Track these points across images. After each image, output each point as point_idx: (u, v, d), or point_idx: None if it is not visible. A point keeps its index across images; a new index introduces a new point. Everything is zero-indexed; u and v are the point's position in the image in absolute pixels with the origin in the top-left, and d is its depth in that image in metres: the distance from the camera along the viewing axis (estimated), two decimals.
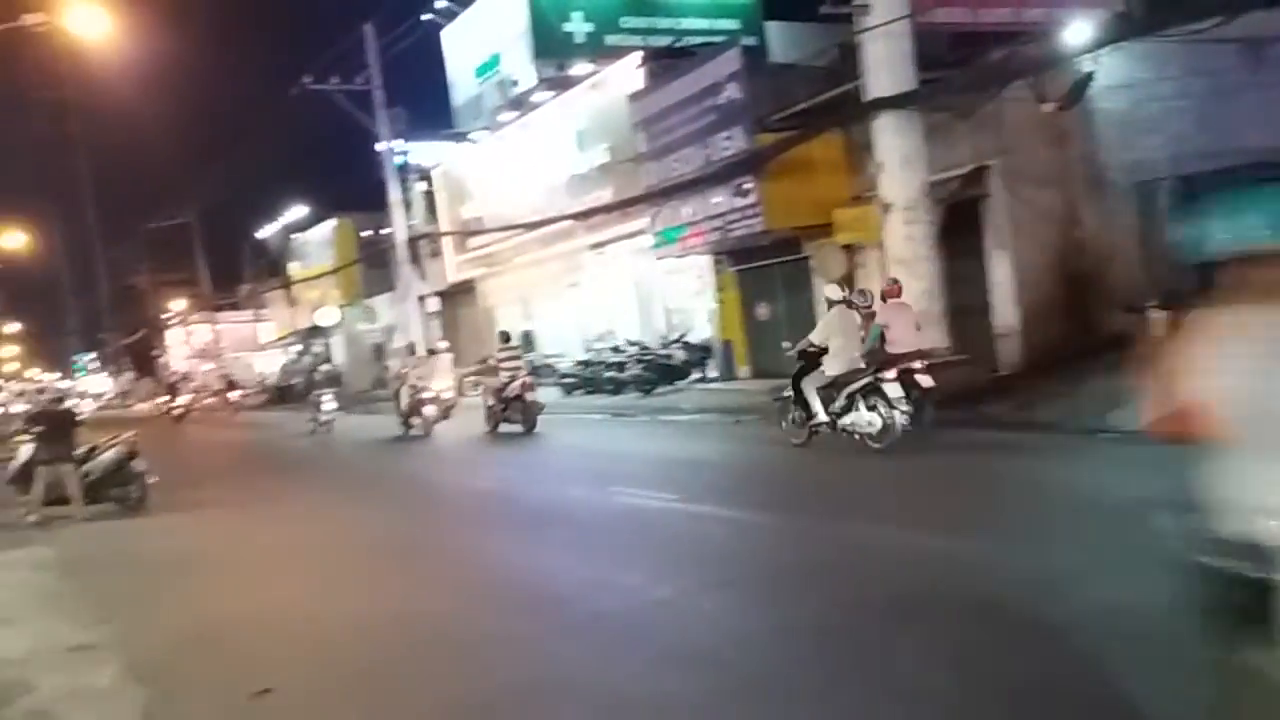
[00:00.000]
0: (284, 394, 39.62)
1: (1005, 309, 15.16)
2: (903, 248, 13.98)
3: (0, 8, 16.98)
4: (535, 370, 28.13)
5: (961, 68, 15.41)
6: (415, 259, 28.30)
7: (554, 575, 7.37)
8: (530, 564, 7.90)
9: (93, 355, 74.59)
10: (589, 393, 22.46)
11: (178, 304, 58.96)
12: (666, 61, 21.41)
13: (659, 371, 20.94)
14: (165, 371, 56.86)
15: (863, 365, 11.26)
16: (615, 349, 22.81)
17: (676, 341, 21.94)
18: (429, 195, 31.35)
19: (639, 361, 21.42)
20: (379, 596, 7.28)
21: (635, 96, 20.97)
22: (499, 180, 27.78)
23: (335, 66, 26.99)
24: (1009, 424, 11.70)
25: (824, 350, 11.46)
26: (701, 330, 22.30)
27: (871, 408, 10.84)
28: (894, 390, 10.68)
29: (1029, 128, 14.73)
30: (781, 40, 25.90)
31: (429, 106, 45.34)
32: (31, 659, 6.32)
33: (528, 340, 29.75)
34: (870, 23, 13.63)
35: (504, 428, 17.47)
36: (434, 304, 29.51)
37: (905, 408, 10.65)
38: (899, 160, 13.89)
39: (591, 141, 23.54)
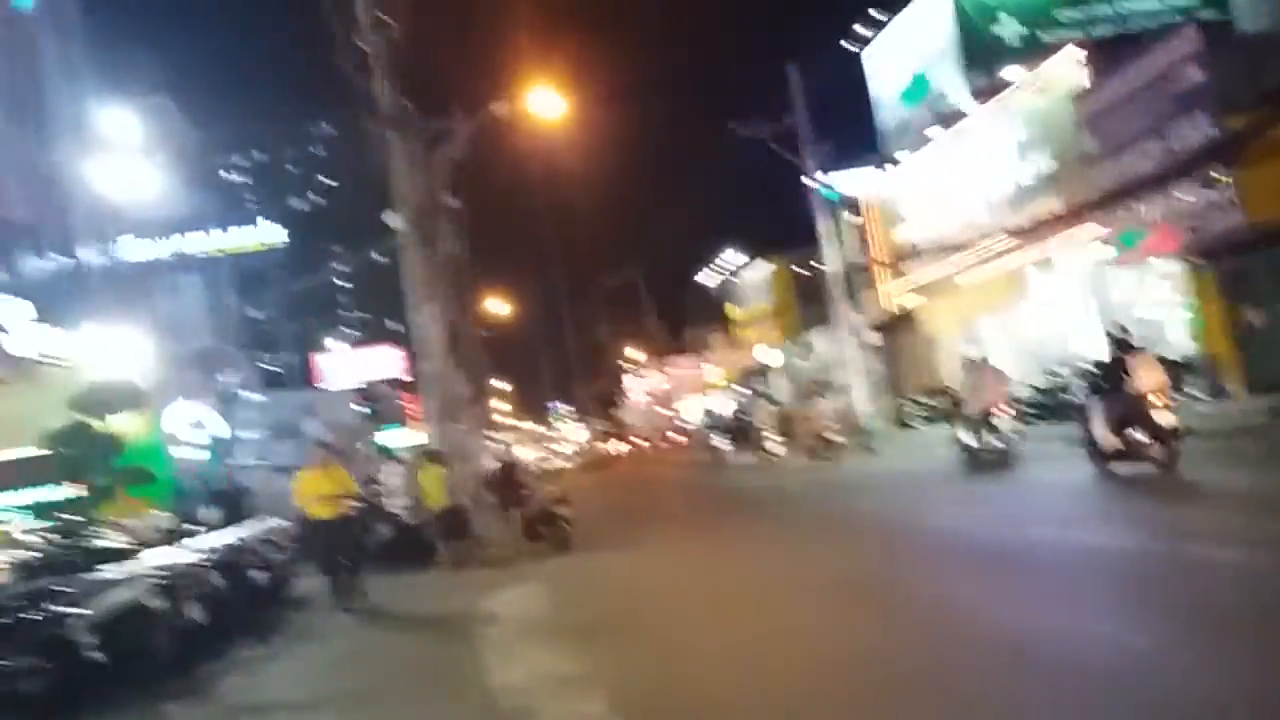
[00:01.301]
0: (737, 434, 40.98)
1: None
2: None
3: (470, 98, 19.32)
4: None
5: None
6: (849, 291, 28.20)
7: (1024, 623, 6.70)
8: (995, 609, 7.22)
9: (565, 405, 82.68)
10: (1052, 421, 20.76)
11: (633, 353, 63.85)
12: (1111, 51, 19.64)
13: None
14: (617, 417, 61.94)
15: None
16: (1080, 371, 20.87)
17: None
18: (859, 225, 31.17)
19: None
20: (839, 638, 7.05)
21: (1079, 94, 19.46)
22: (932, 201, 26.96)
23: (761, 108, 27.91)
24: None
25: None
26: (1174, 342, 19.85)
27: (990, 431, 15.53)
28: (1002, 423, 15.41)
29: None
30: (1253, 8, 22.77)
31: (855, 134, 45.45)
32: (530, 687, 6.85)
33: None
34: None
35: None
36: (871, 336, 29.14)
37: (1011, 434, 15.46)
38: None
39: (1032, 148, 22.12)
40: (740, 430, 30.63)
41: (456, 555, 14.66)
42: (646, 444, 49.62)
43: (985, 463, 15.15)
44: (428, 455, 15.80)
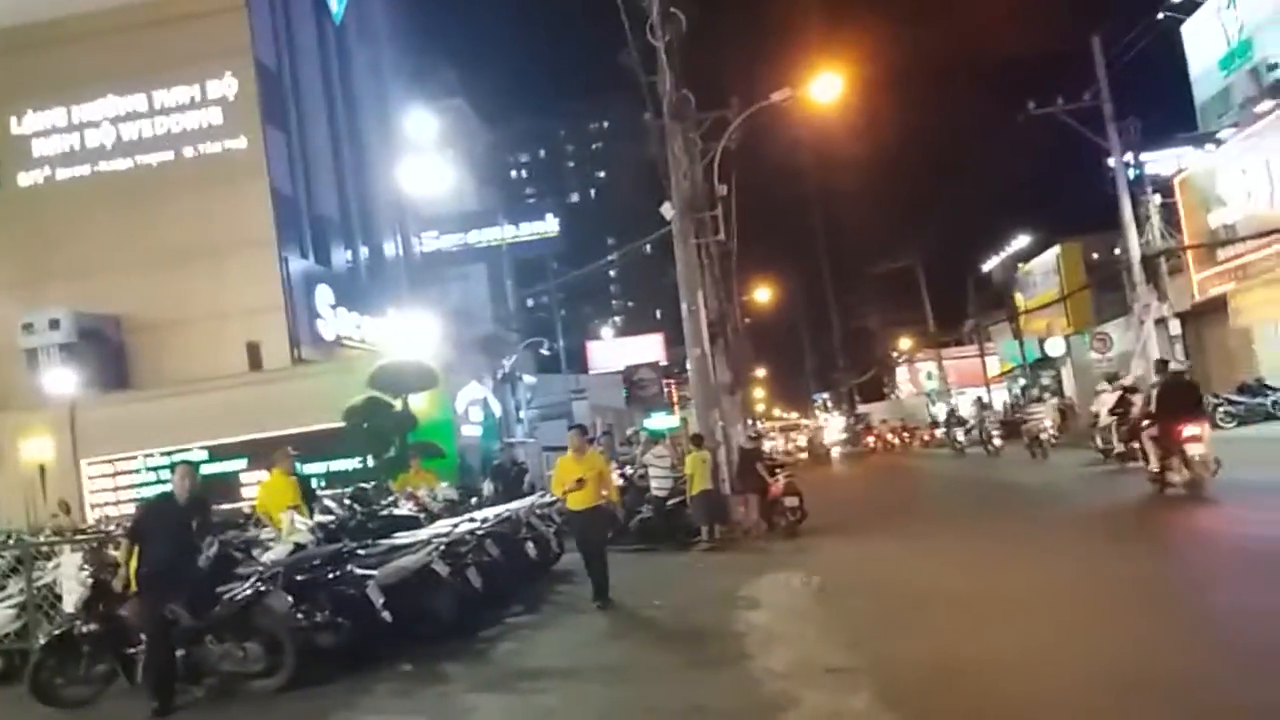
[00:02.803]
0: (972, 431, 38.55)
1: None
2: None
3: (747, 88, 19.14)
4: None
5: None
6: (1152, 279, 25.87)
7: None
8: None
9: (826, 395, 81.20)
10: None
11: (904, 342, 61.87)
12: None
13: None
14: (870, 410, 60.43)
15: None
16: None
17: None
18: (1167, 207, 28.55)
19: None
20: (1115, 648, 6.47)
21: None
22: (1256, 180, 24.33)
23: (1059, 87, 26.01)
24: None
25: None
26: None
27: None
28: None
29: None
30: None
31: (1165, 112, 41.86)
32: (795, 675, 6.69)
33: None
34: None
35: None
36: (1174, 326, 26.56)
37: None
38: None
39: None
40: (975, 426, 32.00)
41: (714, 538, 14.78)
42: (897, 437, 48.30)
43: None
44: (693, 439, 15.86)
